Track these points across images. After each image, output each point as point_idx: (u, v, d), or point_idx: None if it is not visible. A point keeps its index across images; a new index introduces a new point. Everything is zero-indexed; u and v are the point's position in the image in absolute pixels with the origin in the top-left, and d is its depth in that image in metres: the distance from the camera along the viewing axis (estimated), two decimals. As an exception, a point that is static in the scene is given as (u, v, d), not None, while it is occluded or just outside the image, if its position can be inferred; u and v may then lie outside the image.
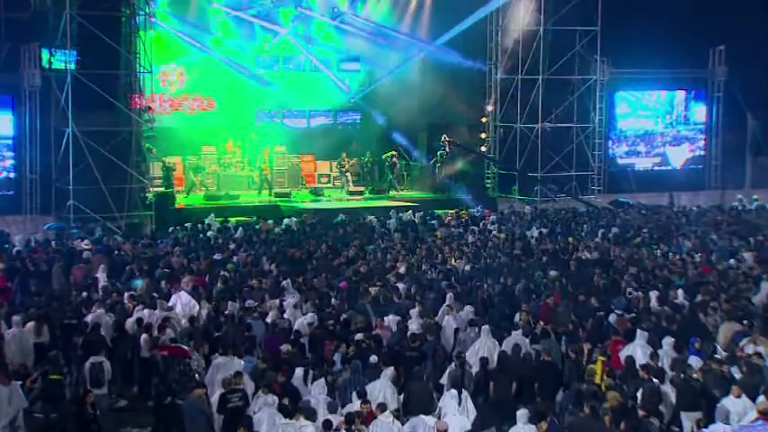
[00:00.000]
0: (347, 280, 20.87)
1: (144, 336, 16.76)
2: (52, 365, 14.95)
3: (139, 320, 17.36)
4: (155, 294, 19.15)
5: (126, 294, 19.13)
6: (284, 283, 20.46)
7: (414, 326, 17.34)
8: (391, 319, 17.65)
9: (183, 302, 18.72)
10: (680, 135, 42.62)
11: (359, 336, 16.50)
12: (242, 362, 15.16)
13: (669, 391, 14.31)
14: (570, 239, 26.88)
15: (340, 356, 15.60)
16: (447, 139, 37.06)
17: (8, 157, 31.84)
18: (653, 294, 19.56)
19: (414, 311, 18.07)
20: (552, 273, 21.84)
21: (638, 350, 15.67)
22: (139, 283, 20.43)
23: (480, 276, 21.61)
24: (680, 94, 42.51)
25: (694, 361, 15.18)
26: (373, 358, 15.11)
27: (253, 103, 37.81)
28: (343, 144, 38.25)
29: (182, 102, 37.06)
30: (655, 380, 14.30)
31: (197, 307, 18.53)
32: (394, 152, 37.58)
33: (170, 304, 18.59)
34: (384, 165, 37.71)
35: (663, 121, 42.40)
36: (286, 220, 29.46)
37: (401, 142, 38.01)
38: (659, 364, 15.03)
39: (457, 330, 17.43)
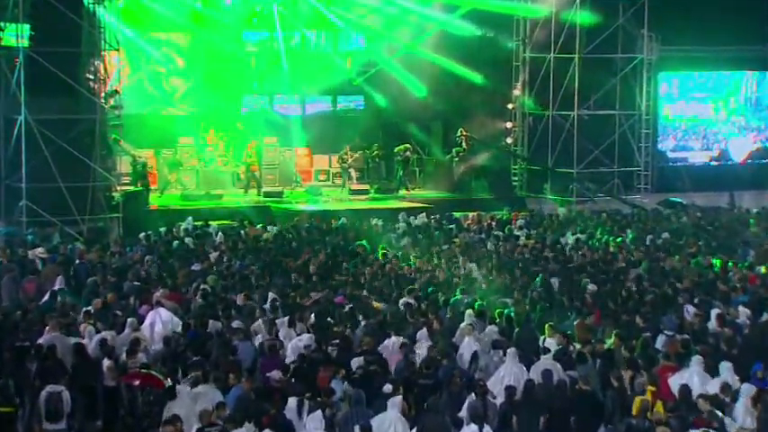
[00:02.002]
0: (347, 295, 20.85)
1: (108, 361, 16.74)
2: (1, 396, 14.92)
3: (103, 342, 17.34)
4: (118, 313, 19.14)
5: (83, 311, 19.12)
6: (275, 297, 20.46)
7: (425, 348, 17.32)
8: (395, 341, 17.61)
9: (163, 320, 18.71)
10: (746, 124, 42.39)
11: (359, 360, 16.47)
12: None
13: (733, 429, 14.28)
14: (612, 247, 26.83)
15: (339, 384, 15.57)
16: (464, 133, 37.03)
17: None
18: (712, 312, 19.50)
19: (422, 332, 18.05)
20: (591, 286, 21.81)
21: (694, 378, 15.63)
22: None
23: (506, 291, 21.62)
24: (748, 74, 42.26)
25: (749, 390, 15.11)
26: (387, 387, 15.07)
27: (238, 87, 37.85)
28: (343, 134, 38.22)
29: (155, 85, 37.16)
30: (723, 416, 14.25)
31: (180, 326, 18.53)
32: (408, 145, 37.49)
33: (147, 323, 18.59)
34: (394, 159, 37.70)
35: (725, 106, 42.21)
36: (277, 225, 29.48)
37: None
38: (727, 398, 15.00)
39: (477, 354, 17.40)
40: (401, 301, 20.43)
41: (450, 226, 30.17)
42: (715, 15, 37.60)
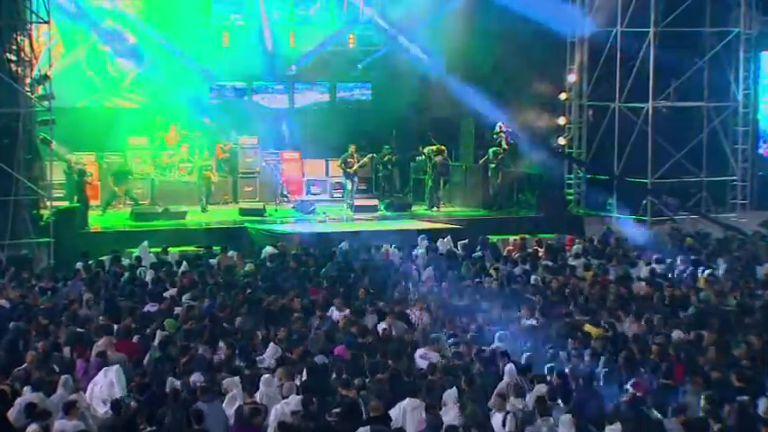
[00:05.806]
0: (350, 344, 20.93)
1: (34, 430, 16.79)
2: None
3: (29, 407, 17.40)
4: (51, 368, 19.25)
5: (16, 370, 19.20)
6: (255, 348, 20.55)
7: (452, 415, 17.39)
8: (412, 404, 17.70)
9: (108, 378, 18.73)
10: None
11: (366, 430, 16.54)
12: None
13: None
14: (699, 282, 26.85)
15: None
16: (504, 128, 37.07)
17: None
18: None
19: (450, 393, 18.11)
20: (673, 334, 21.84)
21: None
22: None
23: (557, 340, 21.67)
24: None
25: None
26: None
27: (206, 71, 37.96)
28: (345, 133, 38.24)
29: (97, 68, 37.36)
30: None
31: (131, 386, 18.60)
32: (442, 146, 37.39)
33: (88, 381, 18.66)
34: (418, 165, 37.70)
35: None
36: (269, 248, 29.58)
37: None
38: None
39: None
40: (418, 353, 20.52)
41: (484, 253, 30.22)
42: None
